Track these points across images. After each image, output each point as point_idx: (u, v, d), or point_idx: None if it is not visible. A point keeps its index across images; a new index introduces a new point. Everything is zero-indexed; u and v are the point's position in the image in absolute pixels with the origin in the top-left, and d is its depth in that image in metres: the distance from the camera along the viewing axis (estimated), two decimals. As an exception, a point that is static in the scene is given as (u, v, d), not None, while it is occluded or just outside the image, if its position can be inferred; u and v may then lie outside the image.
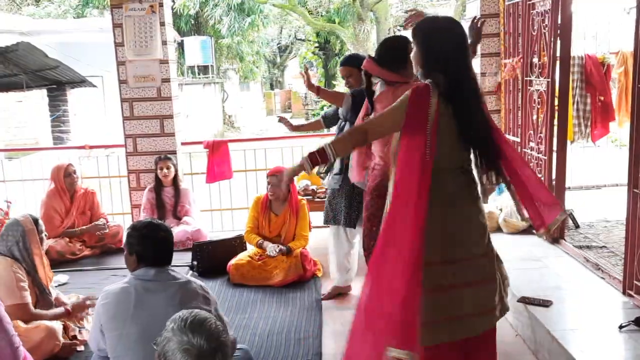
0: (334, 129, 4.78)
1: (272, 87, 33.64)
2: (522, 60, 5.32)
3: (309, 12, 19.31)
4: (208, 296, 2.76)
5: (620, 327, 3.27)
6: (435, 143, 2.51)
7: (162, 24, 5.80)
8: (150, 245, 2.73)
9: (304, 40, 27.39)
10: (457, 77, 2.59)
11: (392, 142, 2.80)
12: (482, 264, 2.69)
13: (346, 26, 17.53)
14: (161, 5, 5.77)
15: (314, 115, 21.64)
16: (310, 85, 4.57)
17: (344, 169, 4.09)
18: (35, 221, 3.71)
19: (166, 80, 5.91)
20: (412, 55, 2.73)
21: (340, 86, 21.63)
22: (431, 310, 2.54)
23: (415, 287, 2.38)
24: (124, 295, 2.65)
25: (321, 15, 19.86)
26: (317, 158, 2.67)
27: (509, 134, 5.73)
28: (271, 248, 4.73)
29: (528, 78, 5.18)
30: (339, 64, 4.39)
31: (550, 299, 3.72)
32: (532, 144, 5.12)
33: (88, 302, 3.77)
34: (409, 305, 2.37)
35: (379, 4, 16.34)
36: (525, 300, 3.72)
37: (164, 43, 5.84)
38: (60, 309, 3.69)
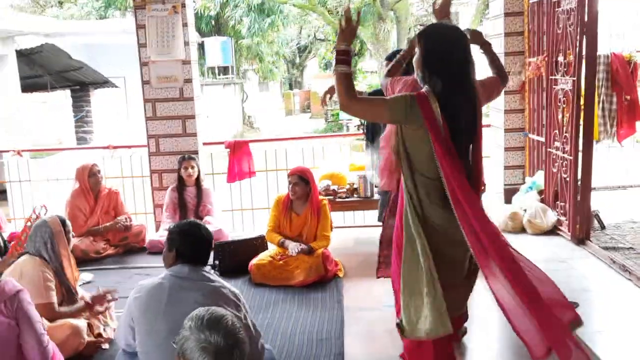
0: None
1: (291, 87, 33.65)
2: (546, 58, 5.26)
3: (328, 11, 19.29)
4: (239, 303, 2.77)
5: (649, 329, 3.22)
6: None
7: (185, 24, 5.84)
8: (190, 242, 2.78)
9: (323, 40, 27.36)
10: (452, 86, 2.66)
11: (392, 139, 2.89)
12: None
13: (366, 26, 17.45)
14: (184, 6, 5.81)
15: (333, 115, 21.56)
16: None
17: None
18: (63, 222, 3.75)
19: (188, 81, 5.94)
20: (414, 58, 2.80)
21: (361, 85, 21.61)
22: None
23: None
24: (158, 290, 2.68)
25: (341, 15, 19.78)
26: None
27: (533, 134, 5.68)
28: (293, 247, 4.73)
29: (553, 77, 5.12)
30: (385, 59, 4.38)
31: (576, 301, 3.64)
32: (557, 144, 5.06)
33: (109, 296, 3.79)
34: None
35: (399, 3, 16.27)
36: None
37: (186, 44, 5.87)
38: (81, 303, 3.71)
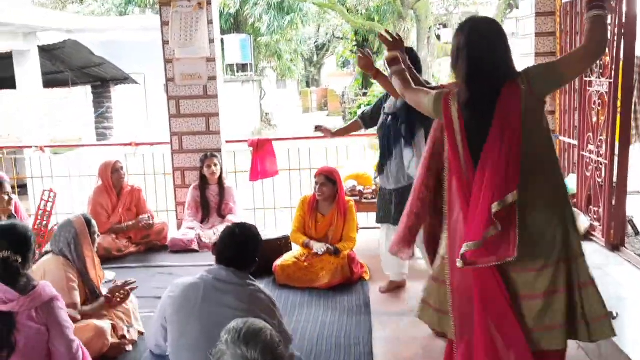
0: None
1: (308, 85, 33.58)
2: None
3: (347, 10, 19.19)
4: (274, 309, 2.71)
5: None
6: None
7: (210, 21, 5.77)
8: (231, 246, 2.74)
9: (341, 39, 27.27)
10: (479, 88, 2.52)
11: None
12: None
13: (386, 24, 17.34)
14: (209, 2, 5.73)
15: (351, 113, 21.45)
16: (368, 66, 3.92)
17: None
18: (88, 222, 3.69)
19: (212, 79, 5.87)
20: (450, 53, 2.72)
21: (379, 86, 21.45)
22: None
23: None
24: (192, 290, 2.63)
25: (360, 14, 19.71)
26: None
27: (564, 136, 5.54)
28: (319, 246, 4.64)
29: (587, 79, 4.98)
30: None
31: (614, 309, 3.54)
32: (591, 147, 4.92)
33: (127, 287, 3.73)
34: None
35: (419, 2, 16.13)
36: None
37: (211, 41, 5.80)
38: (102, 299, 3.65)
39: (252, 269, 2.80)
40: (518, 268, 2.50)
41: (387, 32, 3.20)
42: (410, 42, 17.08)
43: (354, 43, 24.41)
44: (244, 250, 2.75)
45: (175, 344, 2.61)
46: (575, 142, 5.27)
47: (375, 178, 4.87)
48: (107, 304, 3.67)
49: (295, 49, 23.12)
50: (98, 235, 3.83)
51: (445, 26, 24.08)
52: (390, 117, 4.17)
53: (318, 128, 4.97)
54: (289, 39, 21.53)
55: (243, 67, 20.71)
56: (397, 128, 4.11)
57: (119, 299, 3.73)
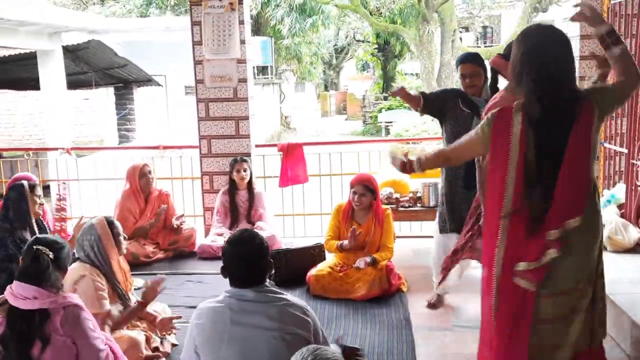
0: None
1: (326, 89, 33.48)
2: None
3: (370, 12, 19.02)
4: (308, 319, 2.52)
5: None
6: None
7: (241, 22, 5.64)
8: (242, 266, 2.51)
9: (362, 42, 27.12)
10: (551, 101, 2.38)
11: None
12: None
13: (409, 27, 17.16)
14: (240, 2, 5.60)
15: (371, 117, 21.28)
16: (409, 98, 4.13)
17: None
18: (110, 223, 3.54)
19: (243, 81, 5.73)
20: (510, 64, 2.55)
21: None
22: None
23: None
24: (219, 316, 2.44)
25: (383, 16, 19.53)
26: (405, 167, 2.80)
27: (611, 143, 5.33)
28: (360, 261, 4.47)
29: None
30: (462, 61, 4.03)
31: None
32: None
33: (159, 288, 3.58)
34: None
35: (444, 5, 15.92)
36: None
37: (242, 42, 5.67)
38: (134, 305, 3.52)
39: (268, 276, 2.60)
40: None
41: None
42: (434, 45, 16.88)
43: (375, 46, 24.26)
44: (254, 265, 2.52)
45: None
46: (624, 150, 5.06)
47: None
48: (141, 308, 3.53)
49: (315, 51, 23.01)
50: (125, 238, 3.67)
51: (467, 29, 23.86)
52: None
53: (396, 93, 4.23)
54: (309, 42, 21.42)
55: (263, 70, 20.64)
56: None
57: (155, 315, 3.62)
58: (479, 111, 3.80)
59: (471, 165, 3.38)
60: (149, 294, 3.54)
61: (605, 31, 2.47)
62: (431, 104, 4.15)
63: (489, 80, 3.62)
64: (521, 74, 2.44)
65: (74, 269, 3.47)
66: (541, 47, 2.40)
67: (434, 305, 4.24)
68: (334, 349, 2.63)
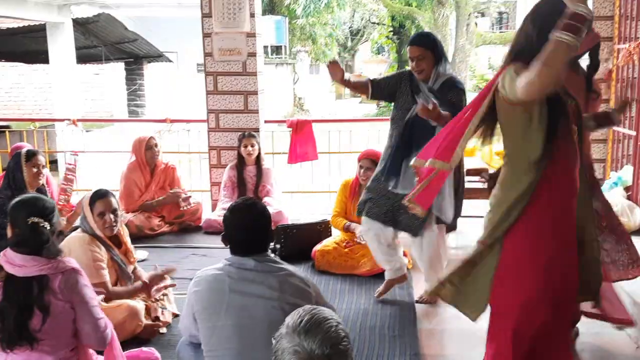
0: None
1: (341, 71, 33.13)
2: (643, 44, 4.82)
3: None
4: (309, 289, 2.47)
5: None
6: None
7: (251, -6, 5.55)
8: (244, 234, 2.45)
9: (377, 24, 26.85)
10: None
11: None
12: None
13: (424, 10, 16.95)
14: (251, -25, 5.52)
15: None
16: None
17: None
18: (95, 198, 3.48)
19: (252, 55, 5.67)
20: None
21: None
22: None
23: None
24: (218, 284, 2.39)
25: (399, -2, 19.32)
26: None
27: (619, 126, 5.24)
28: (361, 230, 4.42)
29: (650, 64, 4.68)
30: (409, 43, 3.73)
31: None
32: (653, 138, 4.63)
33: (167, 277, 3.58)
34: None
35: (460, -12, 15.72)
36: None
37: (252, 15, 5.59)
38: (138, 283, 3.52)
39: (270, 245, 2.54)
40: None
41: None
42: (449, 29, 16.68)
43: (390, 29, 24.02)
44: (256, 233, 2.46)
45: (208, 341, 2.40)
46: (632, 132, 4.98)
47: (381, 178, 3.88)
48: (145, 290, 3.51)
49: (330, 33, 22.81)
50: (116, 215, 3.54)
51: (483, 15, 23.58)
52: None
53: (332, 63, 4.02)
54: (324, 23, 21.23)
55: (277, 50, 20.50)
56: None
57: (157, 292, 3.58)
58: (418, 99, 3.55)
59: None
60: (156, 279, 3.53)
61: None
62: (380, 90, 3.90)
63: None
64: (527, 46, 2.38)
65: (74, 238, 3.45)
66: (553, 20, 2.28)
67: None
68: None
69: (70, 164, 5.28)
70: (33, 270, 2.39)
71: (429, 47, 3.58)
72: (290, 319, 1.59)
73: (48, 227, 2.47)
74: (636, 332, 3.39)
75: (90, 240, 3.42)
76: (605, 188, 5.16)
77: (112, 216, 3.46)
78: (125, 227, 3.84)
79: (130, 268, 3.65)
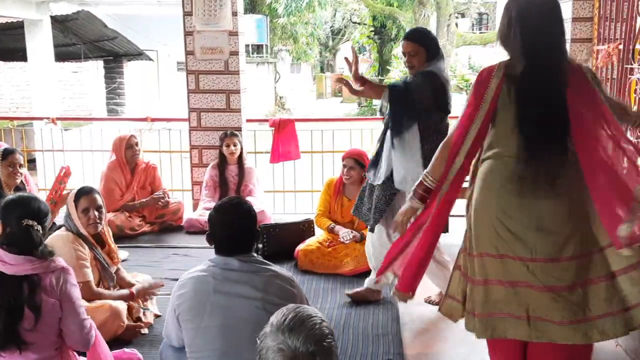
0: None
1: (322, 70, 33.28)
2: (620, 46, 4.87)
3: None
4: (294, 290, 2.46)
5: None
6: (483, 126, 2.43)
7: (234, -8, 5.52)
8: (229, 234, 2.44)
9: (358, 24, 26.91)
10: (536, 62, 2.36)
11: None
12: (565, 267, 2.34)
13: (405, 10, 17.01)
14: (233, -27, 5.49)
15: (366, 100, 21.13)
16: (357, 76, 3.38)
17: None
18: (79, 195, 3.44)
19: (234, 53, 5.63)
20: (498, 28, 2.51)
21: (396, 71, 21.17)
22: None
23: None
24: (202, 285, 2.38)
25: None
26: (421, 193, 2.61)
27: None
28: (345, 233, 4.43)
29: (628, 66, 4.73)
30: (403, 38, 3.69)
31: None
32: (630, 138, 4.68)
33: (155, 291, 3.60)
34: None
35: (440, -12, 15.81)
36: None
37: (234, 14, 5.56)
38: (125, 291, 3.50)
39: (255, 245, 2.53)
40: None
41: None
42: (430, 28, 16.76)
43: (371, 29, 24.07)
44: (241, 233, 2.45)
45: (192, 342, 2.39)
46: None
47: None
48: (130, 299, 3.49)
49: (312, 32, 22.82)
50: (99, 213, 3.50)
51: (463, 15, 23.73)
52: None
53: (340, 80, 3.75)
54: (305, 22, 21.22)
55: (258, 49, 20.45)
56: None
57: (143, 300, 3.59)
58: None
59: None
60: (142, 292, 3.53)
61: None
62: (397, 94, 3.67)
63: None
64: (508, 35, 2.43)
65: (57, 237, 3.41)
66: (529, 10, 2.39)
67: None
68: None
69: (60, 175, 5.22)
70: (26, 269, 2.38)
71: (422, 43, 3.52)
72: (275, 317, 1.59)
73: (40, 231, 2.46)
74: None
75: (73, 238, 3.38)
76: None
77: (96, 213, 3.42)
78: (108, 227, 3.80)
79: (113, 268, 3.61)
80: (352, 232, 4.43)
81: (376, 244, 3.75)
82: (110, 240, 3.64)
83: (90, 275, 3.38)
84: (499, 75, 2.40)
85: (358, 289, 3.96)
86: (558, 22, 2.42)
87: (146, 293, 3.58)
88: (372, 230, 3.73)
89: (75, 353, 2.64)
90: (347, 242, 4.40)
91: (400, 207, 2.82)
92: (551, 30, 2.39)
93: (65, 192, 4.93)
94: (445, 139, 2.58)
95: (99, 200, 3.47)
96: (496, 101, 2.40)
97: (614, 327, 2.31)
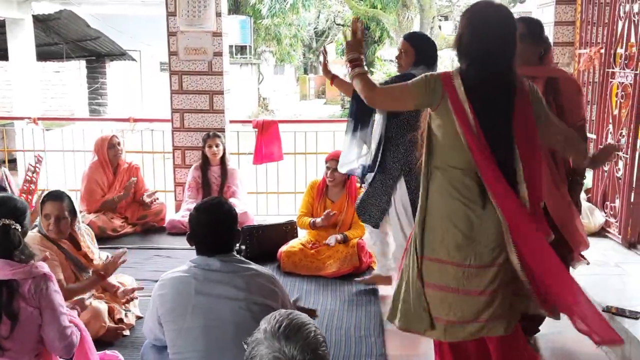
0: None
1: (306, 72, 33.25)
2: (602, 50, 4.94)
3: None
4: (276, 288, 2.46)
5: None
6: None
7: (218, -7, 5.51)
8: (210, 234, 2.43)
9: (342, 25, 26.91)
10: (484, 70, 2.40)
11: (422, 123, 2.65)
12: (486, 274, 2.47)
13: (389, 12, 17.05)
14: (217, -27, 5.48)
15: (350, 102, 21.12)
16: (326, 70, 3.83)
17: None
18: (45, 199, 3.37)
19: (218, 54, 5.62)
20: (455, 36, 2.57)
21: (379, 73, 21.21)
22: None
23: None
24: (183, 286, 2.36)
25: (364, 1, 19.37)
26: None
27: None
28: (330, 238, 4.44)
29: (610, 70, 4.80)
30: (403, 37, 3.81)
31: (637, 309, 3.40)
32: (610, 141, 4.75)
33: (119, 261, 3.45)
34: None
35: (424, -9, 15.87)
36: (610, 310, 3.39)
37: (218, 15, 5.55)
38: (94, 276, 3.38)
39: (236, 245, 2.52)
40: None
41: (356, 21, 2.90)
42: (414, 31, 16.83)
43: (355, 31, 23.99)
44: (222, 233, 2.44)
45: (174, 343, 2.37)
46: (593, 136, 5.10)
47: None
48: (101, 280, 3.40)
49: (295, 33, 22.79)
50: (75, 215, 3.45)
51: (446, 18, 23.81)
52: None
53: (324, 52, 3.98)
54: (289, 23, 21.19)
55: (242, 50, 20.38)
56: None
57: (124, 294, 3.55)
58: None
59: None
60: (110, 267, 3.42)
61: None
62: None
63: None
64: (461, 43, 2.46)
65: (28, 237, 3.35)
66: (485, 21, 2.42)
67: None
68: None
69: (30, 165, 5.17)
70: (5, 274, 2.32)
71: (413, 44, 3.59)
72: (267, 323, 1.56)
73: (20, 230, 2.41)
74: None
75: (40, 239, 3.30)
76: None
77: (53, 221, 3.28)
78: (86, 228, 3.74)
79: (90, 269, 3.54)
80: (337, 236, 4.47)
81: (393, 245, 3.85)
82: (85, 243, 3.55)
83: (60, 274, 3.24)
84: (460, 82, 2.43)
85: (367, 277, 4.15)
86: (511, 34, 2.44)
87: (114, 265, 3.41)
88: (376, 227, 3.83)
89: (58, 358, 2.61)
90: (334, 244, 4.41)
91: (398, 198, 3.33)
92: (504, 42, 2.42)
93: (38, 190, 4.91)
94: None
95: (66, 209, 3.32)
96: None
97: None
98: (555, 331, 3.41)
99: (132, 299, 3.63)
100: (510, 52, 2.42)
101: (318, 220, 4.53)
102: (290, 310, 1.62)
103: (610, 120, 4.78)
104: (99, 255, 3.66)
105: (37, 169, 5.18)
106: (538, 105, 2.49)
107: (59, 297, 2.45)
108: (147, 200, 5.40)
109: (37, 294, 2.37)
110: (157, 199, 5.53)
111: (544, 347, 3.38)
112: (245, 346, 1.58)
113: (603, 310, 3.40)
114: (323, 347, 1.53)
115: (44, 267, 2.45)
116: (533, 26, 3.09)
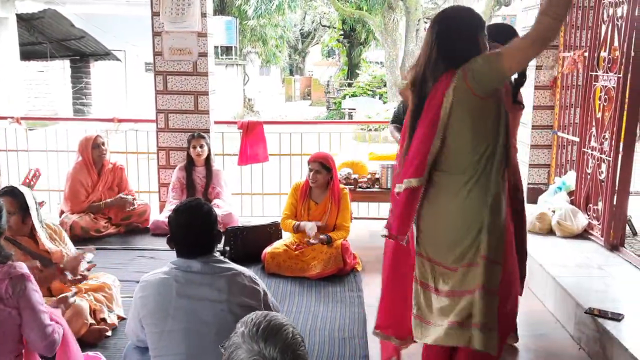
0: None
1: (291, 73, 33.26)
2: (585, 53, 4.98)
3: (338, -2, 18.89)
4: (257, 287, 2.46)
5: None
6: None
7: (203, -6, 5.50)
8: (188, 235, 2.42)
9: (328, 27, 26.97)
10: (425, 74, 2.50)
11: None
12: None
13: (375, 14, 17.10)
14: (202, -27, 5.46)
15: (335, 103, 21.17)
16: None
17: None
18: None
19: (203, 55, 5.61)
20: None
21: (364, 75, 21.25)
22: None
23: None
24: (165, 288, 2.35)
25: (349, 2, 19.43)
26: None
27: (564, 132, 5.41)
28: (311, 227, 4.42)
29: (593, 73, 4.84)
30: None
31: (619, 311, 3.42)
32: (593, 144, 4.79)
33: (84, 260, 3.37)
34: None
35: (410, -6, 15.93)
36: (593, 312, 3.41)
37: (203, 15, 5.54)
38: (51, 268, 3.29)
39: (217, 246, 2.51)
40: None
41: None
42: (399, 33, 16.89)
43: (341, 32, 24.15)
44: (201, 234, 2.43)
45: (156, 345, 2.36)
46: (576, 139, 5.14)
47: None
48: (59, 273, 3.29)
49: (281, 35, 22.78)
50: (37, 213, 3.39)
51: (432, 20, 23.92)
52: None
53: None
54: (275, 24, 21.18)
55: (227, 50, 20.33)
56: None
57: (72, 277, 3.36)
58: None
59: None
60: (71, 262, 3.34)
61: None
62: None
63: None
64: (429, 49, 2.50)
65: None
66: (454, 27, 2.48)
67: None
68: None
69: (27, 178, 5.11)
70: None
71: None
72: (244, 326, 1.54)
73: None
74: (578, 333, 3.51)
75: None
76: (549, 193, 5.32)
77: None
78: (55, 227, 3.65)
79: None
80: (316, 225, 4.44)
81: None
82: (43, 240, 3.44)
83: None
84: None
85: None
86: (477, 37, 2.48)
87: (75, 261, 3.34)
88: None
89: (40, 357, 2.59)
90: (313, 239, 4.40)
91: None
92: (471, 44, 2.46)
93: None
94: None
95: (15, 205, 3.24)
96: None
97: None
98: (537, 333, 3.44)
99: (82, 274, 3.46)
100: (457, 56, 2.45)
101: (302, 223, 4.53)
102: (265, 311, 1.62)
103: (594, 123, 4.81)
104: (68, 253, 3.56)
105: (32, 182, 5.14)
106: (477, 84, 2.40)
107: (37, 296, 2.43)
108: (126, 205, 5.33)
109: (15, 294, 2.34)
110: (135, 207, 5.45)
111: (527, 349, 3.41)
112: (223, 350, 1.57)
113: (585, 312, 3.43)
114: (302, 347, 1.53)
115: (23, 268, 2.42)
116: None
